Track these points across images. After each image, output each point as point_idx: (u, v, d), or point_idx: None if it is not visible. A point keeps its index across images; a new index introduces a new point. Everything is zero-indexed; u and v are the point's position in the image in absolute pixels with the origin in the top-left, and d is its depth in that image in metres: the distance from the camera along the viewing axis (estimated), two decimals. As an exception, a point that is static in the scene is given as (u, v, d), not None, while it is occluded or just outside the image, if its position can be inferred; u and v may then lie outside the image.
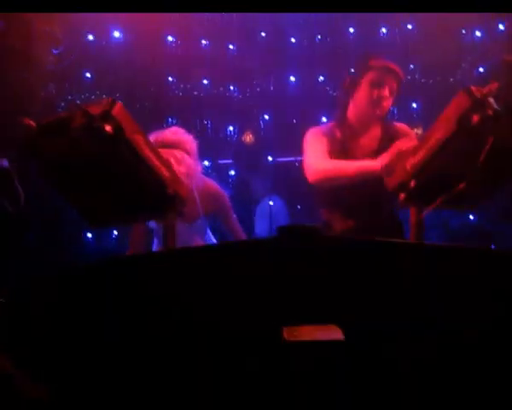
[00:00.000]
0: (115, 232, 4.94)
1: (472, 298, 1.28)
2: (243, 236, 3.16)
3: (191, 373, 1.17)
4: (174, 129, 2.84)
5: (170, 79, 5.23)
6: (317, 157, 2.74)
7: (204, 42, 5.25)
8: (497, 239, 4.67)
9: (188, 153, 2.71)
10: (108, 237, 4.99)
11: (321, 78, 5.31)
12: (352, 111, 2.84)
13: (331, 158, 2.73)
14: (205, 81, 5.28)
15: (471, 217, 4.88)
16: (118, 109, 1.75)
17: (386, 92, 2.70)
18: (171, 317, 1.18)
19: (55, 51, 4.49)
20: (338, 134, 2.82)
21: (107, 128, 1.72)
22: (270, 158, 5.27)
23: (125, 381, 1.27)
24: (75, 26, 4.63)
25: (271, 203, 5.04)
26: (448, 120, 1.73)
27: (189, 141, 2.77)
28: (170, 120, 5.03)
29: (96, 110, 1.77)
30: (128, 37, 4.97)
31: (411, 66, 5.22)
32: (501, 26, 4.76)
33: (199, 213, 2.90)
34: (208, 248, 1.39)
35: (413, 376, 1.15)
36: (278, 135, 5.18)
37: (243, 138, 5.35)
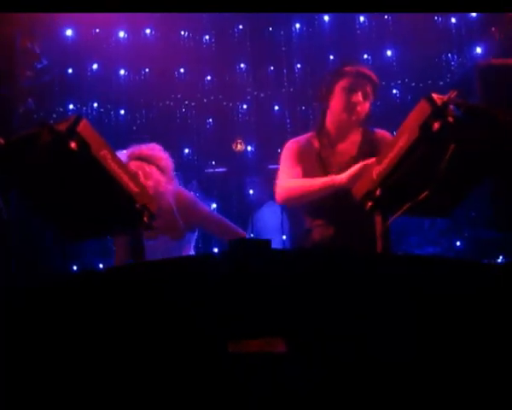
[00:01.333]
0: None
1: (435, 307, 1.29)
2: (239, 230, 3.05)
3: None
4: (152, 145, 2.85)
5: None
6: (283, 177, 2.79)
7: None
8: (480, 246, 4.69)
9: (161, 170, 2.73)
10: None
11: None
12: (329, 119, 2.86)
13: (304, 173, 2.77)
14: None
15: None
16: (83, 126, 1.76)
17: (360, 97, 2.73)
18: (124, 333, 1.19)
19: (37, 66, 4.50)
20: (315, 144, 2.84)
21: (73, 145, 1.73)
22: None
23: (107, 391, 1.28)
24: (56, 41, 4.66)
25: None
26: (410, 128, 1.75)
27: (164, 158, 2.79)
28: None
29: (61, 127, 1.79)
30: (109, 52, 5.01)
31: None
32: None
33: (182, 228, 2.89)
34: (162, 263, 1.39)
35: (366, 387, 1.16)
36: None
37: (234, 147, 5.35)
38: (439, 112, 1.68)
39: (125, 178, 1.84)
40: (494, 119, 1.76)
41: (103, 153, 1.81)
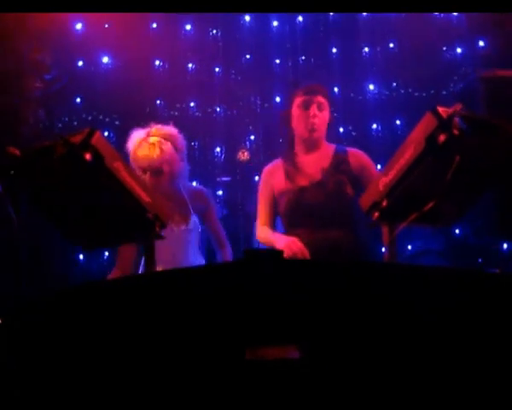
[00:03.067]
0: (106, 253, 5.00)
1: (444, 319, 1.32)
2: (225, 239, 3.25)
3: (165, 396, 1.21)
4: (169, 126, 3.07)
5: (158, 102, 5.30)
6: (259, 216, 3.03)
7: (190, 65, 5.33)
8: (483, 254, 4.71)
9: (175, 148, 2.94)
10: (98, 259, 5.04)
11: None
12: (296, 141, 2.98)
13: (274, 196, 2.97)
14: (191, 104, 5.36)
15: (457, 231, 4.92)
16: (97, 138, 1.81)
17: (315, 109, 2.84)
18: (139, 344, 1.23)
19: (46, 77, 4.56)
20: (287, 167, 2.94)
21: (87, 156, 1.78)
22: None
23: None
24: (65, 52, 4.71)
25: None
26: (416, 140, 1.78)
27: (180, 138, 3.01)
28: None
29: (75, 139, 1.84)
30: (116, 62, 5.05)
31: (393, 83, 5.30)
32: (481, 43, 4.81)
33: (190, 212, 3.00)
34: (174, 272, 1.43)
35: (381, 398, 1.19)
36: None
37: (238, 156, 5.37)
38: (444, 125, 1.72)
39: (137, 189, 1.89)
40: (499, 129, 1.80)
41: (116, 164, 1.85)
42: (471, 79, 4.44)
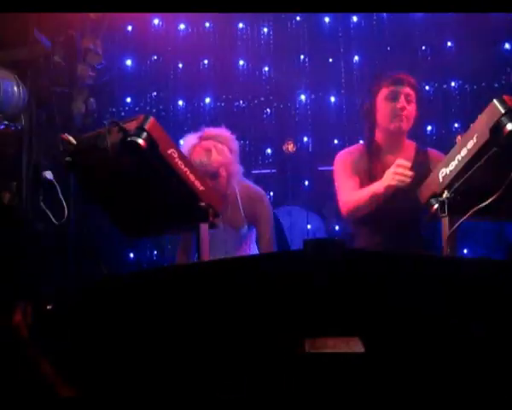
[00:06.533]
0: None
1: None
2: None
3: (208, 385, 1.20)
4: (222, 128, 3.01)
5: (207, 99, 5.33)
6: (345, 191, 2.74)
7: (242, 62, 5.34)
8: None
9: (230, 150, 2.87)
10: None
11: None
12: (378, 134, 2.80)
13: (360, 182, 2.72)
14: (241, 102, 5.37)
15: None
16: (151, 124, 1.81)
17: (403, 102, 2.68)
18: (196, 330, 1.21)
19: (98, 66, 4.62)
20: (366, 158, 2.79)
21: (141, 142, 1.78)
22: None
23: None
24: (115, 44, 4.78)
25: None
26: (480, 131, 1.71)
27: (233, 140, 2.93)
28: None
29: (130, 126, 1.84)
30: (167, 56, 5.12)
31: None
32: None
33: (243, 219, 2.94)
34: (232, 261, 1.41)
35: (436, 389, 1.15)
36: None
37: (285, 148, 5.35)
38: (510, 114, 1.65)
39: (191, 177, 1.88)
40: None
41: (171, 151, 1.85)
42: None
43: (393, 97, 2.68)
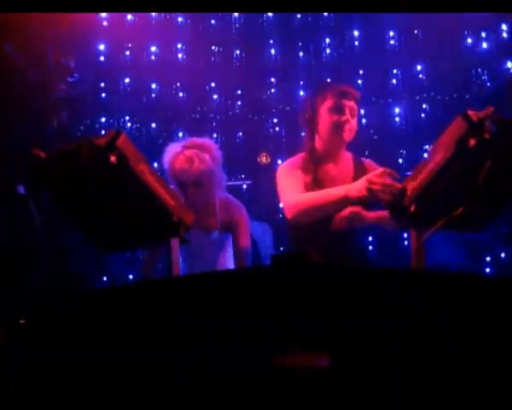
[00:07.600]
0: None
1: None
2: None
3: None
4: (206, 138, 3.05)
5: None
6: (288, 194, 2.70)
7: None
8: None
9: (213, 159, 2.88)
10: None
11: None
12: (318, 142, 2.80)
13: (306, 189, 2.70)
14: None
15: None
16: (122, 140, 1.81)
17: (347, 115, 2.70)
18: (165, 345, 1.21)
19: (70, 79, 4.60)
20: (310, 164, 2.78)
21: (112, 158, 1.78)
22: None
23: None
24: (88, 54, 4.76)
25: None
26: (446, 144, 1.75)
27: (216, 149, 2.95)
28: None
29: (101, 141, 1.83)
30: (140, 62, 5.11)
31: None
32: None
33: (216, 225, 2.95)
34: (201, 276, 1.41)
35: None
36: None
37: (259, 159, 5.33)
38: (475, 128, 1.69)
39: (162, 192, 1.88)
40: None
41: (142, 167, 1.84)
42: (499, 83, 4.38)
43: (338, 110, 2.70)
